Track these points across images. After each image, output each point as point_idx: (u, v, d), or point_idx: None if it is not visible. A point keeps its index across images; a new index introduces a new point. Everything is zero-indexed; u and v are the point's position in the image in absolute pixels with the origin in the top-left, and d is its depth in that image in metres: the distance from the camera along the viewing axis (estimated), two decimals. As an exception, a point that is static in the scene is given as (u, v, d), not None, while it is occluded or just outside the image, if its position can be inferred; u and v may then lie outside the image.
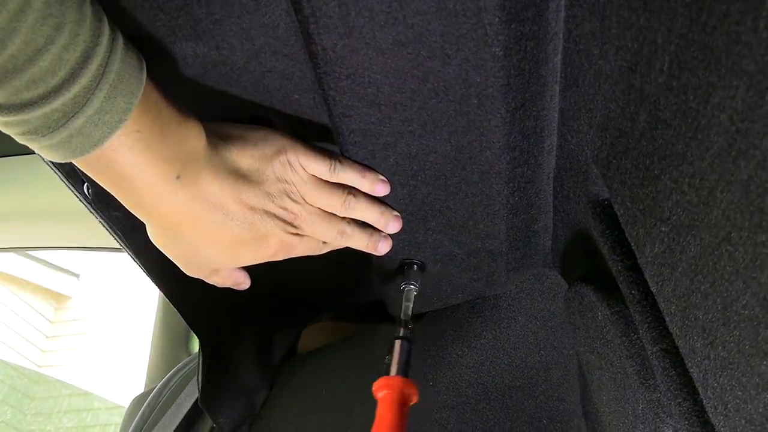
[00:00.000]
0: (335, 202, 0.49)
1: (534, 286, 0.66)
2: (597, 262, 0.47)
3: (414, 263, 0.59)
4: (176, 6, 0.40)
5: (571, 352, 0.64)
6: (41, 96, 0.33)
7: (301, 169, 0.47)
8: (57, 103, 0.33)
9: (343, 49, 0.40)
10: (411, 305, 0.57)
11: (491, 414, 0.64)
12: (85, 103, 0.34)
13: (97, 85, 0.34)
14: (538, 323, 0.66)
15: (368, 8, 0.37)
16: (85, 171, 0.40)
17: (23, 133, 0.35)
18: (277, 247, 0.48)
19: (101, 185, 0.41)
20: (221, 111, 0.48)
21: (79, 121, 0.34)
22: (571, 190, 0.49)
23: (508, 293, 0.66)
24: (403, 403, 0.48)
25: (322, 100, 0.45)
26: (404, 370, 0.51)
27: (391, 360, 0.52)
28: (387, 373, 0.51)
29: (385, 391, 0.48)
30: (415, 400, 0.49)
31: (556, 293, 0.66)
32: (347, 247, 0.54)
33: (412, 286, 0.58)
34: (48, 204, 1.28)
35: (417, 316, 0.74)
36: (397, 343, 0.53)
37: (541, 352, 0.65)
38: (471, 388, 0.65)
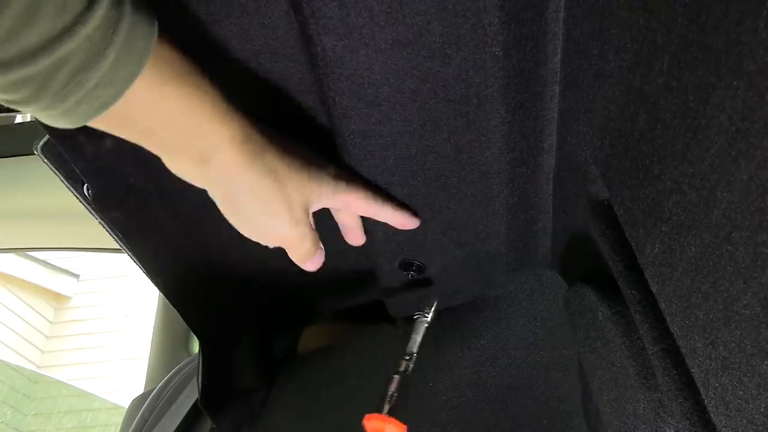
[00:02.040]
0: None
1: (534, 287, 0.66)
2: (596, 262, 0.47)
3: (415, 263, 0.59)
4: (176, 6, 0.40)
5: (570, 352, 0.64)
6: (70, 24, 0.31)
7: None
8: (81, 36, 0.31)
9: (343, 49, 0.40)
10: (419, 339, 0.56)
11: (491, 414, 0.64)
12: (114, 31, 0.33)
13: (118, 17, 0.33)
14: (537, 323, 0.66)
15: (368, 9, 0.37)
16: (110, 128, 0.38)
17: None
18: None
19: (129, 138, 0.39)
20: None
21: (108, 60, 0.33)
22: (571, 191, 0.49)
23: (507, 293, 0.66)
24: None
25: (322, 101, 0.45)
26: (396, 409, 0.50)
27: (384, 395, 0.51)
28: (378, 409, 0.50)
29: (372, 429, 0.48)
30: None
31: (555, 294, 0.66)
32: (347, 247, 0.54)
33: (424, 318, 0.57)
34: (48, 204, 1.28)
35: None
36: (395, 379, 0.52)
37: (541, 352, 0.65)
38: (471, 389, 0.65)
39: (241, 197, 0.43)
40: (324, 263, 0.52)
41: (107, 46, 0.32)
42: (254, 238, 0.48)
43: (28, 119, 1.34)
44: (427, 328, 0.58)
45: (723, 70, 0.23)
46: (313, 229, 0.49)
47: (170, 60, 0.37)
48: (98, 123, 0.36)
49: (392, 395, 0.51)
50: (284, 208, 0.45)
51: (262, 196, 0.44)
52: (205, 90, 0.39)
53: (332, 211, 0.52)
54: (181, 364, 1.08)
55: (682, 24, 0.26)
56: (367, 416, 0.49)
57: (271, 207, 0.44)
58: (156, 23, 0.36)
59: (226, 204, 0.45)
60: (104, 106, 0.34)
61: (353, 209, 0.50)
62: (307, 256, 0.50)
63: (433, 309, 0.58)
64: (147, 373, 1.29)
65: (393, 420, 0.49)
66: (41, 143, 0.53)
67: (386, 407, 0.50)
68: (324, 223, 0.51)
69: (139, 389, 1.20)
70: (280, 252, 0.50)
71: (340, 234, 0.62)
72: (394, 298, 0.64)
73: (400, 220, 0.51)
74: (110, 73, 0.33)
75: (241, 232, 0.48)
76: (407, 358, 0.54)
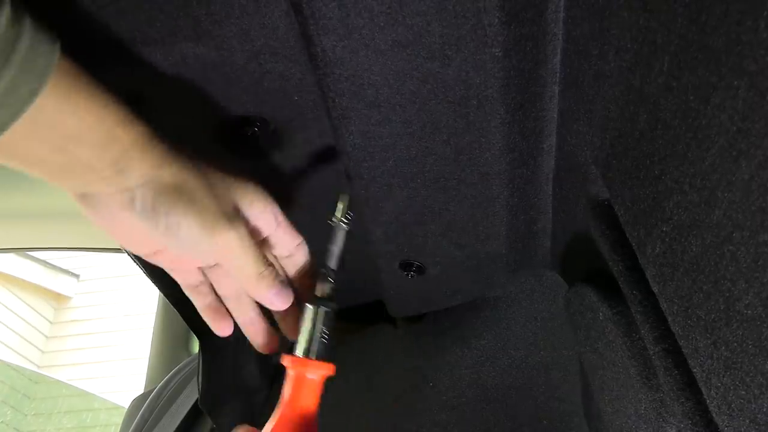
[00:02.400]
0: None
1: (534, 287, 0.66)
2: (597, 262, 0.47)
3: (415, 264, 0.59)
4: (176, 6, 0.40)
5: (570, 352, 0.64)
6: None
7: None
8: None
9: (343, 50, 0.40)
10: (338, 251, 0.47)
11: (491, 414, 0.64)
12: (12, 50, 0.32)
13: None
14: (537, 324, 0.66)
15: (368, 9, 0.37)
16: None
17: None
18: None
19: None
20: (221, 112, 0.48)
21: None
22: (571, 191, 0.49)
23: (507, 294, 0.66)
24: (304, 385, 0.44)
25: (322, 102, 0.45)
26: (316, 349, 0.45)
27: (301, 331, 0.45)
28: (291, 350, 0.45)
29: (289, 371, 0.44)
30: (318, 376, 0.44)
31: (555, 294, 0.66)
32: (347, 247, 0.54)
33: (343, 223, 0.48)
34: (48, 204, 1.28)
35: (417, 317, 0.74)
36: (311, 310, 0.46)
37: (541, 352, 0.65)
38: (471, 389, 0.65)
39: (163, 203, 0.40)
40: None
41: (2, 67, 0.32)
42: (189, 254, 0.44)
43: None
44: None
45: (723, 69, 0.23)
46: (252, 240, 0.44)
47: (74, 73, 0.36)
48: (4, 146, 0.35)
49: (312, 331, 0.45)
50: (211, 202, 0.42)
51: (185, 194, 0.41)
52: (109, 99, 0.38)
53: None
54: (181, 364, 1.09)
55: (682, 24, 0.26)
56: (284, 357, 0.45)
57: (199, 204, 0.41)
58: (58, 39, 0.35)
59: (152, 221, 0.41)
60: (2, 127, 0.34)
61: (279, 234, 0.47)
62: (261, 284, 0.44)
63: (346, 208, 0.48)
64: (147, 373, 1.29)
65: (315, 363, 0.44)
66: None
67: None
68: (324, 224, 0.51)
69: (139, 389, 1.20)
70: None
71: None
72: (394, 298, 0.64)
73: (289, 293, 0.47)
74: (6, 93, 0.33)
75: (172, 263, 0.46)
76: (327, 276, 0.47)
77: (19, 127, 0.34)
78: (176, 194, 0.41)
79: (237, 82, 0.45)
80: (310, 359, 0.45)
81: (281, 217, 0.47)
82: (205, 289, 0.49)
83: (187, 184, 0.41)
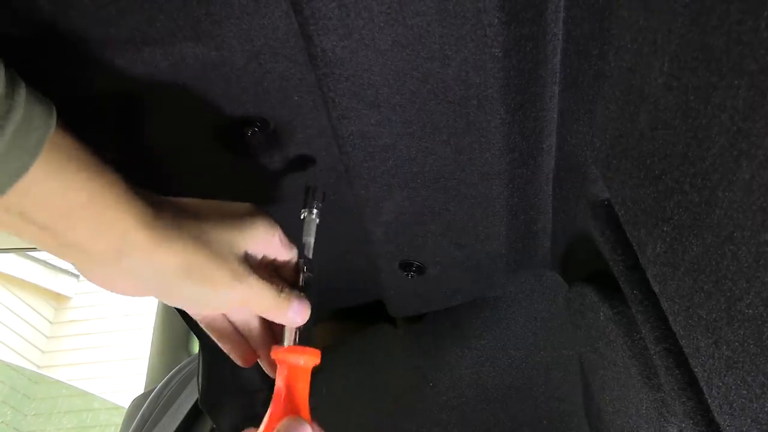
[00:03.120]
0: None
1: (533, 287, 0.66)
2: (597, 262, 0.47)
3: (415, 264, 0.59)
4: (176, 6, 0.40)
5: (570, 352, 0.64)
6: None
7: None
8: None
9: (343, 50, 0.40)
10: (312, 241, 0.49)
11: (491, 414, 0.64)
12: (3, 124, 0.30)
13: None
14: (537, 324, 0.66)
15: (368, 9, 0.37)
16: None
17: None
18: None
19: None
20: (221, 112, 0.48)
21: None
22: (571, 191, 0.49)
23: (507, 294, 0.66)
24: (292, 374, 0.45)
25: (322, 102, 0.45)
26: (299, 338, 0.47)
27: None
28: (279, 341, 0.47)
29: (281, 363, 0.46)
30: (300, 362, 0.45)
31: (555, 294, 0.66)
32: (347, 248, 0.54)
33: (313, 214, 0.49)
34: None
35: (417, 317, 0.74)
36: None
37: (541, 352, 0.65)
38: (471, 389, 0.65)
39: (173, 279, 0.40)
40: (324, 264, 0.52)
41: None
42: (213, 311, 0.46)
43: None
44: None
45: (724, 69, 0.23)
46: (270, 278, 0.45)
47: (67, 148, 0.34)
48: None
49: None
50: (218, 269, 0.41)
51: (192, 268, 0.40)
52: (103, 175, 0.36)
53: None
54: (181, 364, 1.09)
55: (682, 24, 0.25)
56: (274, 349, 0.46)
57: (206, 274, 0.41)
58: (54, 110, 0.34)
59: (164, 293, 0.41)
60: None
61: (282, 253, 0.47)
62: (282, 309, 0.45)
63: (321, 199, 0.50)
64: (147, 373, 1.29)
65: (301, 348, 0.46)
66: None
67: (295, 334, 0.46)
68: (321, 224, 0.51)
69: (139, 389, 1.20)
70: None
71: (339, 235, 0.62)
72: (394, 298, 0.64)
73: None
74: None
75: (195, 316, 0.46)
76: (302, 262, 0.48)
77: (4, 202, 0.32)
78: (184, 272, 0.40)
79: (237, 82, 0.45)
80: (299, 347, 0.46)
81: (281, 235, 0.46)
82: (221, 322, 0.50)
83: (195, 259, 0.40)
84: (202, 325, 0.49)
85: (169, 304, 0.44)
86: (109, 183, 0.36)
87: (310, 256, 0.49)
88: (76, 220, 0.35)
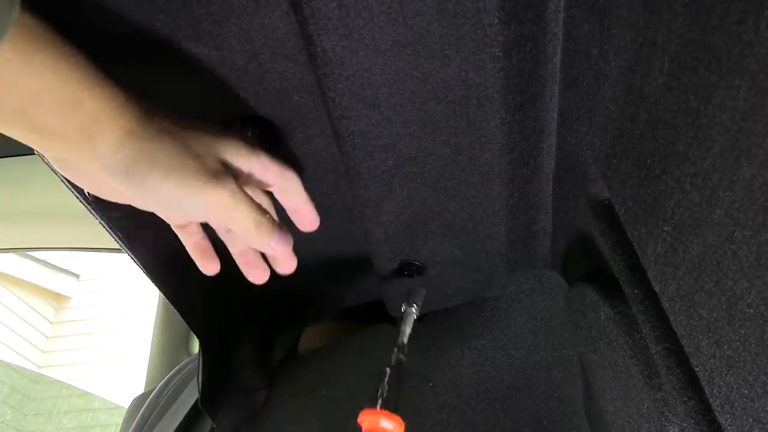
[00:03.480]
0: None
1: (534, 287, 0.66)
2: (597, 262, 0.47)
3: (415, 264, 0.59)
4: (176, 6, 0.40)
5: (571, 352, 0.64)
6: None
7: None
8: None
9: (343, 50, 0.40)
10: (409, 330, 0.55)
11: (491, 414, 0.64)
12: None
13: None
14: (537, 324, 0.66)
15: (368, 9, 0.37)
16: None
17: None
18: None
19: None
20: (221, 111, 0.48)
21: None
22: (571, 191, 0.49)
23: (508, 294, 0.66)
24: None
25: (322, 102, 0.45)
26: (391, 403, 0.49)
27: (380, 390, 0.50)
28: (373, 404, 0.49)
29: (366, 424, 0.48)
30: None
31: (555, 294, 0.66)
32: (347, 248, 0.54)
33: (413, 309, 0.56)
34: (48, 204, 1.28)
35: (417, 317, 0.74)
36: (388, 371, 0.52)
37: (541, 352, 0.65)
38: (471, 389, 0.65)
39: (139, 169, 0.38)
40: (324, 264, 0.52)
41: None
42: (181, 215, 0.43)
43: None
44: (416, 320, 0.57)
45: (724, 69, 0.23)
46: (244, 191, 0.42)
47: (37, 30, 0.33)
48: None
49: (385, 389, 0.50)
50: (193, 163, 0.39)
51: (163, 159, 0.38)
52: (77, 59, 0.35)
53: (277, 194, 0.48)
54: (181, 364, 1.09)
55: (682, 23, 0.25)
56: (362, 412, 0.49)
57: (179, 167, 0.39)
58: None
59: (128, 184, 0.39)
60: None
61: (269, 178, 0.45)
62: (263, 233, 0.43)
63: (421, 300, 0.58)
64: (147, 373, 1.29)
65: (387, 413, 0.48)
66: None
67: (379, 401, 0.49)
68: (321, 224, 0.51)
69: (139, 389, 1.20)
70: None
71: (339, 235, 0.62)
72: (394, 298, 0.64)
73: (307, 213, 0.48)
74: None
75: (164, 216, 0.43)
76: (398, 350, 0.54)
77: None
78: (152, 160, 0.38)
79: (237, 82, 0.45)
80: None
81: (267, 160, 0.45)
82: (194, 228, 0.48)
83: (163, 147, 0.38)
84: (173, 227, 0.47)
85: (142, 208, 0.42)
86: (79, 64, 0.35)
87: (406, 342, 0.54)
88: (46, 103, 0.35)
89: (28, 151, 1.28)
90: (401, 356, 0.53)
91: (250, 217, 0.42)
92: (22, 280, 4.34)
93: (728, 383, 0.29)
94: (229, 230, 0.48)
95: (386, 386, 0.50)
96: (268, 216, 0.44)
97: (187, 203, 0.40)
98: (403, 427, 0.48)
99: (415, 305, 0.56)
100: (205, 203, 0.40)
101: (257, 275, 0.50)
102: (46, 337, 4.52)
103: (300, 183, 0.48)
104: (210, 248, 0.49)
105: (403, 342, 0.54)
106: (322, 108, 0.47)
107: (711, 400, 0.32)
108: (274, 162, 0.45)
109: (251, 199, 0.42)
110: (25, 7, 0.33)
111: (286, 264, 0.48)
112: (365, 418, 0.48)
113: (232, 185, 0.41)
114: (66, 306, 4.65)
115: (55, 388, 3.91)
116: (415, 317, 0.56)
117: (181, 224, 0.47)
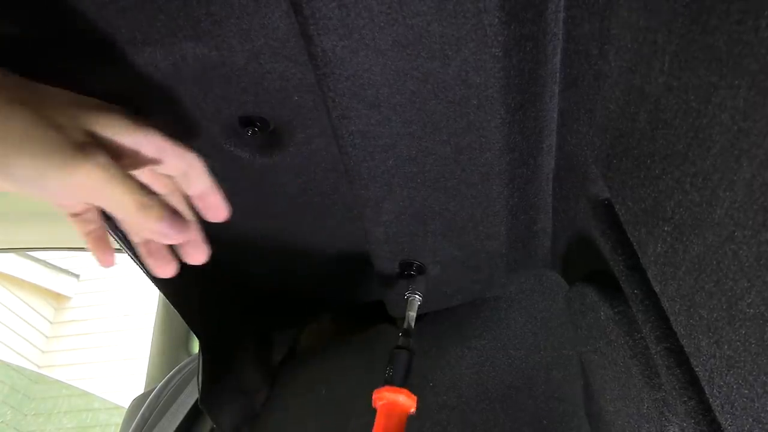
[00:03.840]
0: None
1: (534, 287, 0.66)
2: (597, 262, 0.47)
3: (415, 264, 0.59)
4: (176, 6, 0.40)
5: (571, 352, 0.64)
6: None
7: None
8: None
9: (343, 50, 0.40)
10: (414, 315, 0.57)
11: (491, 414, 0.64)
12: None
13: None
14: (537, 324, 0.66)
15: (368, 9, 0.37)
16: None
17: None
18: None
19: None
20: (221, 111, 0.48)
21: None
22: (571, 191, 0.49)
23: (508, 294, 0.66)
24: (400, 413, 0.49)
25: (322, 102, 0.45)
26: (404, 381, 0.51)
27: (392, 370, 0.52)
28: (387, 383, 0.51)
29: (383, 401, 0.49)
30: (412, 410, 0.50)
31: (555, 294, 0.66)
32: (347, 248, 0.54)
33: (416, 296, 0.58)
34: (48, 204, 1.28)
35: (417, 317, 0.74)
36: (397, 353, 0.54)
37: (541, 352, 0.65)
38: (471, 389, 0.65)
39: None
40: (324, 264, 0.52)
41: None
42: (49, 196, 0.37)
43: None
44: (416, 320, 0.58)
45: (724, 69, 0.23)
46: (120, 168, 0.37)
47: None
48: None
49: (394, 371, 0.52)
50: (55, 134, 0.35)
51: (16, 131, 0.34)
52: None
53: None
54: (181, 364, 1.09)
55: (682, 24, 0.25)
56: (377, 390, 0.50)
57: (35, 138, 0.34)
58: None
59: None
60: None
61: (167, 161, 0.40)
62: (134, 202, 0.37)
63: (423, 288, 0.60)
64: (147, 373, 1.29)
65: (404, 390, 0.50)
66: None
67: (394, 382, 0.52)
68: (322, 224, 0.51)
69: (139, 389, 1.20)
70: (281, 250, 0.49)
71: (339, 235, 0.62)
72: (394, 298, 0.64)
73: (213, 199, 0.42)
74: None
75: (25, 191, 0.37)
76: (404, 334, 0.56)
77: None
78: (2, 131, 0.33)
79: (237, 82, 0.45)
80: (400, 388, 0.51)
81: (160, 140, 0.40)
82: (91, 216, 0.44)
83: (15, 117, 0.34)
84: (68, 217, 0.43)
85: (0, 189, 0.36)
86: None
87: (413, 325, 0.56)
88: None
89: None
90: (409, 339, 0.55)
91: (129, 197, 0.37)
92: (22, 280, 4.34)
93: (728, 383, 0.29)
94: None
95: (396, 367, 0.52)
96: (155, 197, 0.38)
97: (49, 180, 0.35)
98: (415, 402, 0.49)
99: (418, 293, 0.58)
100: (70, 180, 0.35)
101: (161, 269, 0.45)
102: (46, 337, 4.52)
103: (203, 167, 0.43)
104: (106, 239, 0.44)
105: (410, 325, 0.56)
106: (322, 108, 0.47)
107: (711, 400, 0.32)
108: (171, 142, 0.40)
109: (132, 177, 0.37)
110: None
111: (194, 253, 0.43)
112: (382, 395, 0.49)
113: (103, 159, 0.36)
114: (66, 306, 4.65)
115: (55, 388, 3.91)
116: (419, 303, 0.57)
117: (75, 212, 0.43)
